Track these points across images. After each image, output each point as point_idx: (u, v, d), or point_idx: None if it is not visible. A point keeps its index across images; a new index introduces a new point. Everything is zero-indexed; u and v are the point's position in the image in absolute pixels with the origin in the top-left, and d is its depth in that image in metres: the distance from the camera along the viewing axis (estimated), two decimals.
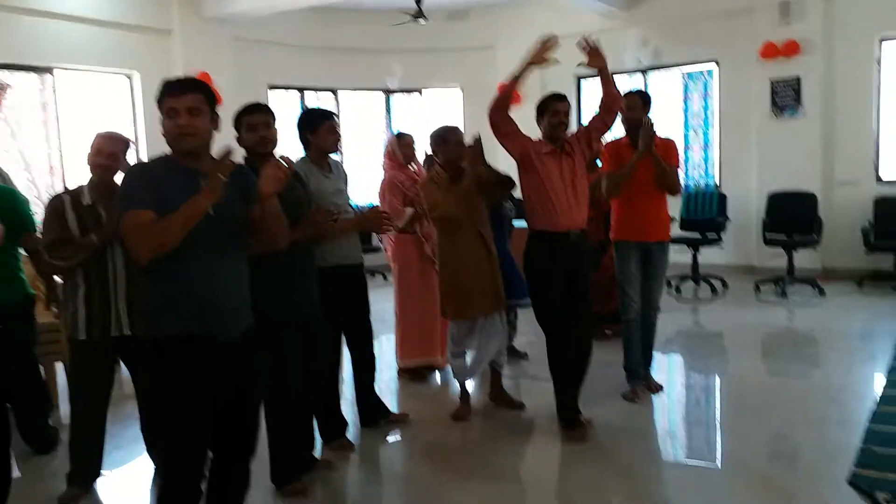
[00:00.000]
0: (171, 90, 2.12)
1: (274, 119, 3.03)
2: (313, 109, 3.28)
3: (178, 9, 7.39)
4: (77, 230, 2.91)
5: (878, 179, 7.36)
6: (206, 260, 2.12)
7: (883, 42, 7.23)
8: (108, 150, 3.01)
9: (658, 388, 4.28)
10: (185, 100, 2.09)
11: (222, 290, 2.15)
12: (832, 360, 4.92)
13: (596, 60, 3.56)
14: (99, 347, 2.94)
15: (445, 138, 3.86)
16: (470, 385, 4.13)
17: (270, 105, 3.17)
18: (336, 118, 3.25)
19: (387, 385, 4.05)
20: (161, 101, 2.13)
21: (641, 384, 4.20)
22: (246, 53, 8.06)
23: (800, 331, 6.03)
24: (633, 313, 4.08)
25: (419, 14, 8.27)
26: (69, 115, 6.88)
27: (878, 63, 7.26)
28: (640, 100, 4.02)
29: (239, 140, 3.02)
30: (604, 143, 3.99)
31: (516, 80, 3.51)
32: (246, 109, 3.01)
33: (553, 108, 3.60)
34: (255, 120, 2.96)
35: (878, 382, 4.26)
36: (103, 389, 3.05)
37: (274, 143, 3.00)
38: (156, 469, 3.11)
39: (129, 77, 7.27)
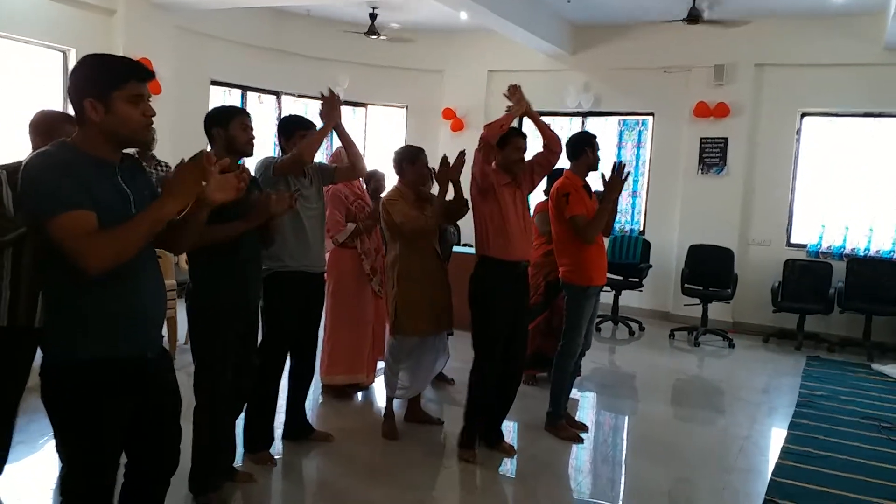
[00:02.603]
0: (140, 74, 1.91)
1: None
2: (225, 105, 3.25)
3: None
4: (12, 209, 2.75)
5: (789, 243, 7.84)
6: (134, 271, 1.92)
7: (804, 117, 7.75)
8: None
9: (584, 428, 4.38)
10: (148, 87, 1.94)
11: (151, 304, 2.01)
12: (738, 410, 5.17)
13: (519, 106, 3.70)
14: (21, 336, 2.77)
15: (418, 158, 3.92)
16: (395, 403, 4.14)
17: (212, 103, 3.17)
18: (249, 117, 3.12)
19: (308, 401, 3.96)
20: (117, 84, 1.86)
21: (562, 422, 4.28)
22: (190, 45, 7.84)
23: (709, 379, 6.31)
24: (577, 358, 4.20)
25: (372, 30, 8.30)
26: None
27: (798, 134, 7.77)
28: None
29: (219, 133, 2.97)
30: (561, 186, 4.06)
31: (512, 118, 3.72)
32: (239, 111, 3.08)
33: (516, 143, 3.74)
34: (249, 121, 3.02)
35: (781, 436, 4.50)
36: (19, 381, 2.88)
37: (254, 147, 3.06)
38: (64, 471, 2.94)
39: (64, 53, 6.93)
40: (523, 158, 3.75)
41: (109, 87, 1.87)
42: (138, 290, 1.96)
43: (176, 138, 6.61)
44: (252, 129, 3.02)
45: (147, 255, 2.00)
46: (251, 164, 3.56)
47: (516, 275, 3.74)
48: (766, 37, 7.56)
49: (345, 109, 9.96)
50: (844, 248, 7.51)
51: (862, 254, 7.43)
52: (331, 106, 3.49)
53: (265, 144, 7.94)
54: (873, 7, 6.73)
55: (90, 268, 1.79)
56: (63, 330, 1.91)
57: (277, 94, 8.99)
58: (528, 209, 3.88)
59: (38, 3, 6.53)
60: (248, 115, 3.07)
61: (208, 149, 2.33)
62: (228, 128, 2.95)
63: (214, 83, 8.28)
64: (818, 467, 3.92)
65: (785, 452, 4.15)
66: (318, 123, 3.60)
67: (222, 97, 8.52)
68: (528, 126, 4.16)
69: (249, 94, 8.82)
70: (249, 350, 3.10)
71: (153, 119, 1.98)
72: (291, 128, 3.50)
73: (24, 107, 6.12)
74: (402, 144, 4.52)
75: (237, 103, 8.71)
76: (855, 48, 7.23)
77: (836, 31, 7.26)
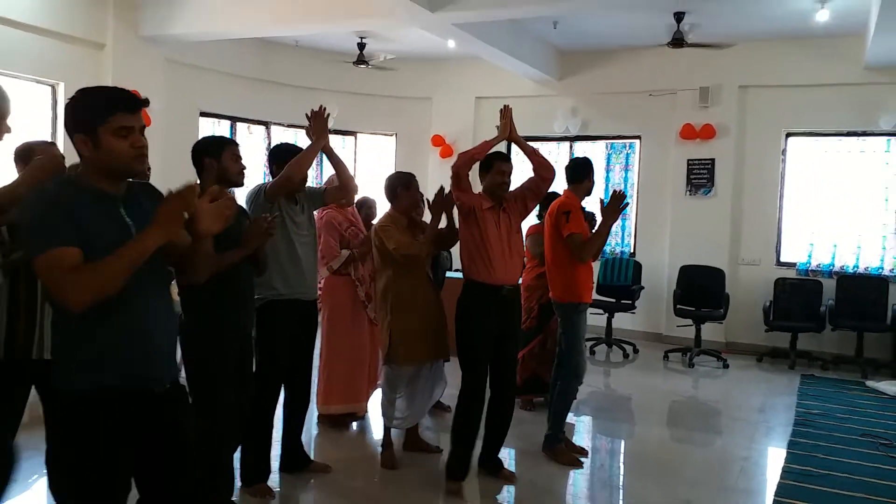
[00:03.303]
0: (126, 106, 1.88)
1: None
2: (213, 136, 3.26)
3: (113, 23, 7.15)
4: (8, 237, 2.71)
5: (779, 262, 7.89)
6: (141, 301, 1.91)
7: (789, 137, 7.85)
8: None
9: (583, 452, 4.35)
10: (139, 117, 1.92)
11: (158, 334, 1.97)
12: (736, 430, 5.15)
13: (502, 133, 3.72)
14: (16, 369, 2.72)
15: (410, 184, 3.93)
16: (393, 432, 4.09)
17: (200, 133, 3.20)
18: (239, 146, 3.12)
19: (304, 432, 3.92)
20: (101, 119, 1.85)
21: (561, 445, 4.25)
22: (179, 77, 7.87)
23: (705, 400, 6.30)
24: (580, 378, 4.18)
25: (361, 60, 8.37)
26: None
27: (784, 154, 7.86)
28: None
29: (211, 164, 2.98)
30: (562, 204, 4.10)
31: (489, 146, 3.72)
32: (229, 140, 3.11)
33: (499, 167, 3.72)
34: (239, 151, 3.04)
35: (780, 455, 4.49)
36: (13, 416, 2.82)
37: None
38: None
39: (53, 87, 6.94)
40: (507, 182, 3.73)
41: (94, 122, 1.86)
42: (141, 319, 1.93)
43: (165, 169, 6.54)
44: (242, 158, 3.04)
45: (153, 284, 1.97)
46: (242, 193, 3.56)
47: (499, 299, 3.66)
48: (750, 59, 7.68)
49: (334, 138, 10.06)
50: (833, 266, 7.56)
51: (851, 271, 7.49)
52: (319, 123, 3.47)
53: (255, 174, 7.95)
54: (853, 28, 6.85)
55: (71, 303, 1.77)
56: (64, 358, 1.90)
57: (266, 124, 9.02)
58: (519, 233, 3.85)
59: (26, 37, 6.54)
60: (237, 145, 3.09)
61: (196, 180, 2.32)
62: (220, 159, 2.96)
63: (203, 114, 8.30)
64: (820, 486, 3.91)
65: (785, 472, 4.13)
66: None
67: (211, 128, 8.54)
68: (519, 152, 4.16)
69: (239, 124, 8.84)
70: (246, 380, 3.07)
71: (145, 149, 1.98)
72: (283, 156, 3.50)
73: (14, 142, 6.08)
74: (393, 171, 4.52)
75: (226, 134, 8.73)
76: (836, 69, 7.36)
77: (818, 53, 7.40)
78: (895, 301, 7.06)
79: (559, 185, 4.14)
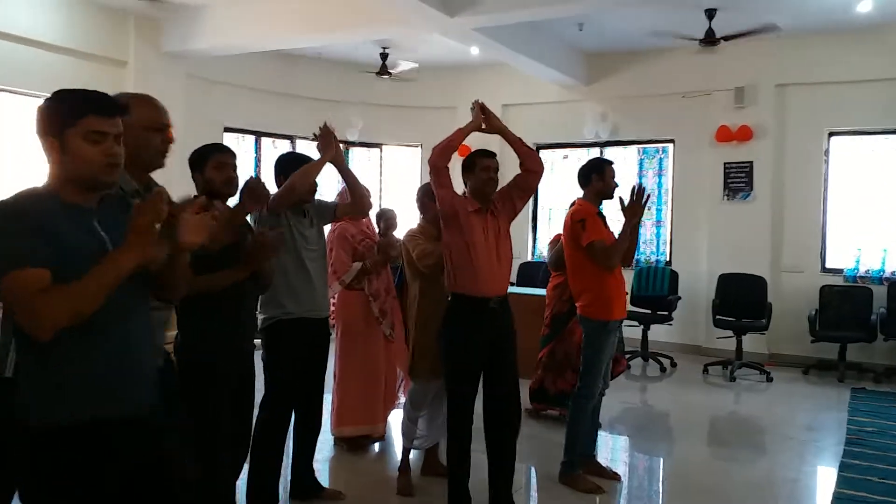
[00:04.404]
0: (100, 109, 1.72)
1: (236, 162, 2.92)
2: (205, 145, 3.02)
3: (135, 40, 7.15)
4: None
5: (824, 268, 7.48)
6: (120, 323, 1.76)
7: (831, 136, 7.47)
8: None
9: (616, 477, 4.05)
10: (115, 123, 1.75)
11: (138, 356, 1.82)
12: (782, 450, 4.80)
13: (491, 123, 3.39)
14: None
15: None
16: (412, 455, 3.88)
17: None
18: (228, 154, 2.89)
19: (319, 455, 3.73)
20: (72, 120, 1.69)
21: (580, 472, 3.92)
22: (201, 92, 7.84)
23: (748, 417, 5.94)
24: (596, 399, 3.88)
25: (384, 70, 8.24)
26: (8, 140, 6.48)
27: (826, 155, 7.48)
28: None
29: (197, 178, 2.85)
30: (575, 212, 3.82)
31: (464, 134, 3.38)
32: (216, 148, 2.91)
33: (483, 163, 3.36)
34: (226, 159, 2.85)
35: (831, 478, 4.14)
36: None
37: (237, 186, 2.86)
38: None
39: None
40: (494, 179, 3.39)
41: (63, 123, 1.70)
42: (119, 341, 1.76)
43: (189, 187, 6.53)
44: (231, 166, 2.83)
45: (134, 304, 1.81)
46: None
47: (488, 313, 3.30)
48: (787, 56, 7.33)
49: (360, 151, 9.96)
50: (884, 272, 7.13)
51: None
52: (326, 139, 3.33)
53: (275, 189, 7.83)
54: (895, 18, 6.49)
55: (42, 329, 1.61)
56: (39, 389, 1.71)
57: (291, 138, 8.94)
58: (508, 238, 3.48)
59: (49, 57, 6.56)
60: (225, 152, 2.88)
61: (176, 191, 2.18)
62: (204, 170, 2.80)
63: (227, 130, 8.25)
64: None
65: (837, 498, 3.79)
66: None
67: (236, 143, 8.49)
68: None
69: (263, 139, 8.78)
70: (245, 407, 2.89)
71: (119, 158, 1.81)
72: (288, 165, 3.34)
73: (35, 162, 6.07)
74: (421, 183, 4.33)
75: (251, 149, 8.68)
76: (881, 62, 6.97)
77: (860, 46, 7.02)
78: None
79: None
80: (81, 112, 1.70)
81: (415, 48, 8.06)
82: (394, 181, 9.52)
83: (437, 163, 3.31)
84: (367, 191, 3.64)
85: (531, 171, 3.45)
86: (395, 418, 4.34)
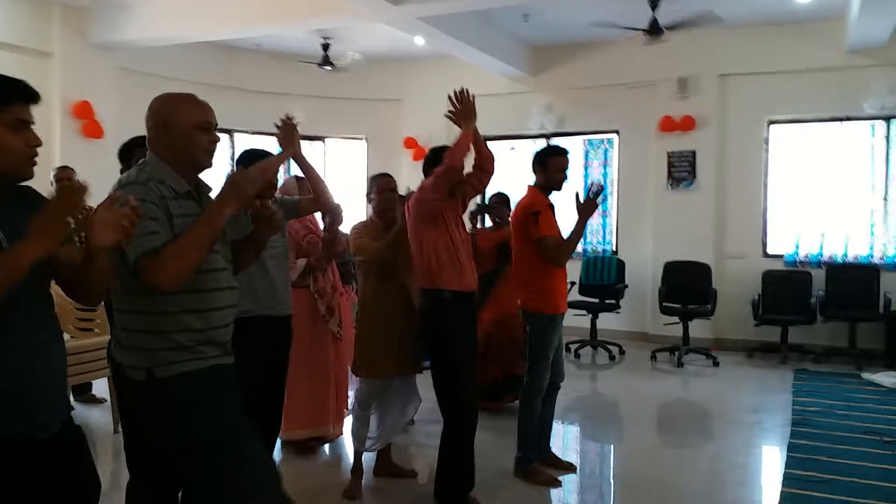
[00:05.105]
0: (26, 95, 1.61)
1: None
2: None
3: (60, 31, 6.79)
4: None
5: (765, 254, 7.64)
6: (25, 332, 1.61)
7: (771, 125, 7.62)
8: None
9: (571, 468, 4.02)
10: (32, 112, 1.62)
11: (42, 370, 1.64)
12: (730, 434, 4.87)
13: (467, 119, 3.30)
14: None
15: (380, 187, 3.62)
16: (364, 457, 3.76)
17: None
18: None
19: None
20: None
21: (535, 465, 3.88)
22: (135, 85, 7.47)
23: (696, 402, 6.01)
24: (543, 392, 3.83)
25: (326, 61, 8.05)
26: None
27: (766, 143, 7.63)
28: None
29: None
30: (530, 203, 3.75)
31: (471, 136, 3.29)
32: (137, 141, 2.70)
33: None
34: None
35: (780, 460, 4.20)
36: None
37: None
38: None
39: None
40: (466, 178, 3.40)
41: None
42: (17, 354, 1.59)
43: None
44: None
45: (30, 309, 1.63)
46: None
47: (472, 306, 3.40)
48: (729, 46, 7.45)
49: (302, 144, 9.71)
50: (822, 256, 7.33)
51: (840, 260, 7.26)
52: (289, 133, 3.18)
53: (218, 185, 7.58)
54: (834, 11, 6.64)
55: None
56: None
57: (230, 132, 8.66)
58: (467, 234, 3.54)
59: None
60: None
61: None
62: (129, 164, 2.64)
63: None
64: (826, 493, 3.61)
65: (787, 479, 3.84)
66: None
67: None
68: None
69: None
70: None
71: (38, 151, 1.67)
72: (249, 161, 3.15)
73: None
74: (368, 176, 4.21)
75: None
76: (818, 53, 7.14)
77: (798, 37, 7.17)
78: (887, 289, 6.84)
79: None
80: (8, 99, 1.58)
81: (358, 39, 7.90)
82: (338, 175, 9.34)
83: (459, 164, 3.23)
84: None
85: (487, 170, 3.44)
86: (349, 420, 4.21)
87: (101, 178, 2.72)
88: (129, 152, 2.71)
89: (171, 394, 1.96)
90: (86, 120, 6.83)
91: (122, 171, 2.70)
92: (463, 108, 3.29)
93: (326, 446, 4.36)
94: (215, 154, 2.11)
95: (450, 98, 3.31)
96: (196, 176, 2.10)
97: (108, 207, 1.61)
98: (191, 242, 1.88)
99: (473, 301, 3.47)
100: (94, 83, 6.95)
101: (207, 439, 1.97)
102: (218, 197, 1.97)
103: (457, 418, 3.36)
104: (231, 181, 1.97)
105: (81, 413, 4.80)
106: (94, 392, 5.25)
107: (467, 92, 3.32)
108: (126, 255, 1.84)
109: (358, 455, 3.71)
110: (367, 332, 3.57)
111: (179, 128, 2.02)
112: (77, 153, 6.44)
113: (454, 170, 3.21)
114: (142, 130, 2.73)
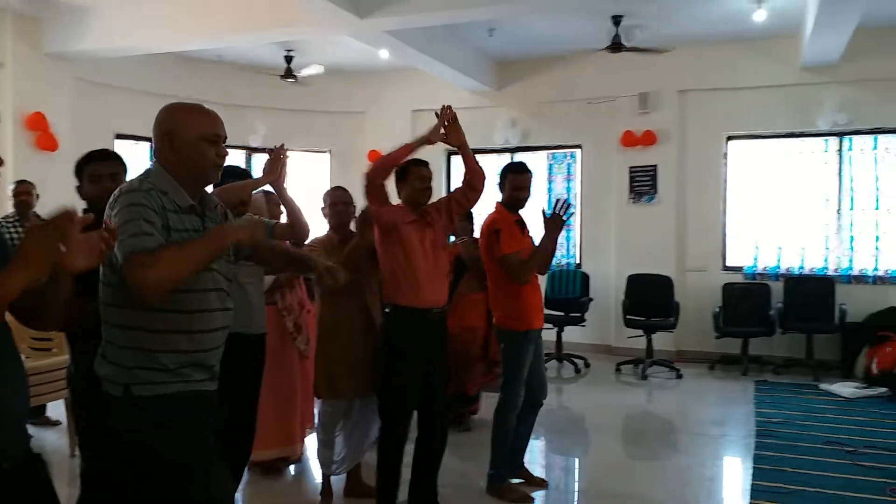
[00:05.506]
0: None
1: (124, 170, 2.64)
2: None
3: (12, 41, 6.58)
4: None
5: (725, 267, 7.78)
6: None
7: (729, 140, 7.79)
8: None
9: (543, 485, 4.00)
10: None
11: (9, 397, 1.58)
12: (697, 447, 4.91)
13: (455, 136, 3.33)
14: None
15: (332, 200, 3.59)
16: (334, 477, 3.68)
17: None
18: (105, 163, 2.61)
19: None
20: None
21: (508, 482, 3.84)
22: (91, 97, 7.32)
23: (661, 414, 6.07)
24: (518, 409, 3.79)
25: (289, 74, 7.97)
26: None
27: (725, 158, 7.79)
28: (531, 178, 3.83)
29: (80, 191, 2.60)
30: (492, 222, 3.74)
31: (410, 150, 3.26)
32: (90, 157, 2.61)
33: (417, 173, 3.30)
34: (100, 170, 2.56)
35: (747, 472, 4.23)
36: None
37: None
38: None
39: None
40: (428, 188, 3.33)
41: None
42: None
43: (76, 199, 6.06)
44: (111, 177, 2.53)
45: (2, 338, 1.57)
46: None
47: (427, 323, 3.26)
48: (688, 63, 7.58)
49: (263, 157, 9.57)
50: (780, 269, 7.49)
51: (797, 273, 7.43)
52: (274, 162, 3.15)
53: None
54: (789, 29, 6.83)
55: None
56: None
57: None
58: (446, 249, 3.44)
59: None
60: (105, 160, 2.60)
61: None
62: (81, 181, 2.55)
63: (119, 136, 7.75)
64: None
65: (755, 490, 3.87)
66: None
67: (130, 151, 7.98)
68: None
69: None
70: None
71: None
72: (228, 177, 3.08)
73: None
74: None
75: (146, 156, 8.18)
76: (773, 70, 7.33)
77: (755, 54, 7.35)
78: (842, 301, 7.01)
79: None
80: None
81: (321, 51, 7.84)
82: (300, 189, 9.22)
83: (376, 179, 3.20)
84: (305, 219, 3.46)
85: (475, 188, 3.40)
86: (313, 439, 4.12)
87: (54, 191, 2.63)
88: (83, 169, 2.59)
89: (147, 413, 1.90)
90: (39, 132, 6.62)
91: (77, 188, 2.60)
92: (452, 125, 3.29)
93: (292, 466, 4.26)
94: (221, 167, 2.05)
95: (437, 115, 3.30)
96: (200, 189, 2.04)
97: (79, 229, 1.53)
98: (189, 254, 1.84)
99: (433, 318, 3.28)
100: (48, 94, 6.75)
101: (178, 464, 1.90)
102: (227, 226, 1.95)
103: (382, 435, 3.32)
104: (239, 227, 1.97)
105: (36, 436, 4.61)
106: (48, 414, 5.05)
107: (449, 109, 3.31)
108: (115, 256, 1.78)
109: (326, 478, 3.63)
110: (327, 351, 3.49)
111: (185, 139, 1.95)
112: (30, 166, 6.21)
113: (366, 177, 3.19)
114: (98, 142, 2.69)
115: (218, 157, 2.00)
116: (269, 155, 3.20)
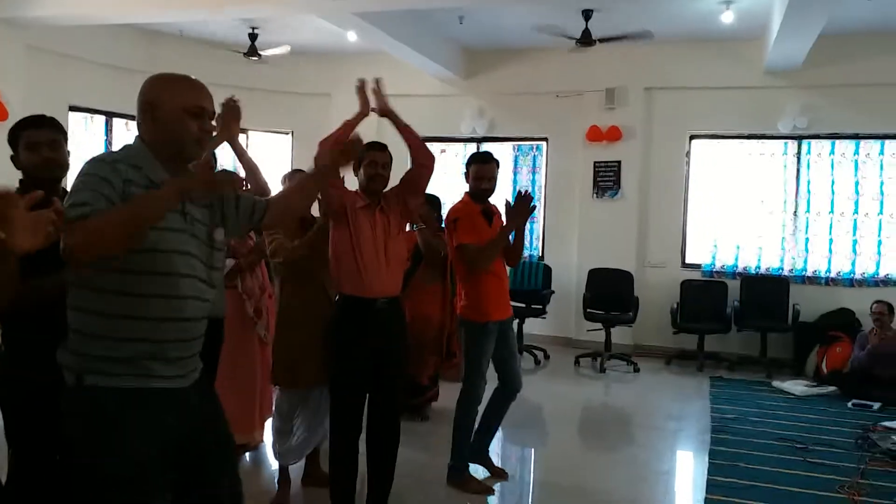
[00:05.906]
0: None
1: (65, 138, 2.45)
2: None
3: None
4: None
5: (684, 264, 7.89)
6: None
7: (692, 139, 7.88)
8: None
9: (504, 475, 3.98)
10: None
11: None
12: (653, 441, 4.96)
13: (380, 103, 3.22)
14: None
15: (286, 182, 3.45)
16: (291, 467, 3.60)
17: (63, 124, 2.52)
18: (42, 129, 2.38)
19: None
20: None
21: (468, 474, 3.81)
22: (45, 66, 7.02)
23: (619, 408, 6.13)
24: (479, 401, 3.76)
25: (253, 52, 7.77)
26: None
27: (688, 156, 7.88)
28: (497, 168, 3.79)
29: (15, 161, 2.40)
30: (454, 211, 3.69)
31: (351, 126, 3.17)
32: (25, 123, 2.40)
33: (371, 157, 3.17)
34: (38, 137, 2.35)
35: (702, 466, 4.29)
36: None
37: (63, 167, 2.42)
38: None
39: None
40: (381, 174, 3.19)
41: None
42: None
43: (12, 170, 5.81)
44: (46, 144, 2.34)
45: None
46: None
47: (374, 314, 3.10)
48: (655, 61, 7.63)
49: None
50: (737, 267, 7.62)
51: (753, 272, 7.57)
52: (230, 116, 3.00)
53: None
54: (754, 32, 6.91)
55: None
56: None
57: None
58: (401, 236, 3.31)
59: None
60: (40, 126, 2.38)
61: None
62: (17, 150, 2.36)
63: (73, 108, 7.47)
64: (747, 499, 3.72)
65: (711, 485, 3.93)
66: None
67: (83, 124, 7.70)
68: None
69: (115, 120, 8.03)
70: None
71: None
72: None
73: None
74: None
75: (101, 130, 7.91)
76: (738, 72, 7.42)
77: (721, 55, 7.43)
78: (795, 301, 7.17)
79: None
80: None
81: (287, 30, 7.66)
82: (263, 169, 9.04)
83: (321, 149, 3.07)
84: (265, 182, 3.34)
85: (421, 164, 3.25)
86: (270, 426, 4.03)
87: (5, 165, 2.46)
88: (16, 136, 2.38)
89: (95, 405, 1.77)
90: None
91: (12, 158, 2.40)
92: (378, 93, 3.22)
93: (248, 454, 4.17)
94: (206, 144, 1.93)
95: (374, 91, 3.22)
96: (181, 166, 1.89)
97: (27, 206, 1.42)
98: (116, 214, 1.68)
99: (377, 309, 3.11)
100: None
101: (104, 474, 1.78)
102: (164, 190, 1.76)
103: (332, 423, 3.23)
104: (182, 184, 1.77)
105: None
106: None
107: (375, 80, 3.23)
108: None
109: (283, 467, 3.56)
110: (285, 338, 3.40)
111: (167, 111, 1.84)
112: None
113: (314, 160, 2.99)
114: (50, 113, 2.55)
115: (201, 131, 1.88)
116: (224, 108, 3.01)
